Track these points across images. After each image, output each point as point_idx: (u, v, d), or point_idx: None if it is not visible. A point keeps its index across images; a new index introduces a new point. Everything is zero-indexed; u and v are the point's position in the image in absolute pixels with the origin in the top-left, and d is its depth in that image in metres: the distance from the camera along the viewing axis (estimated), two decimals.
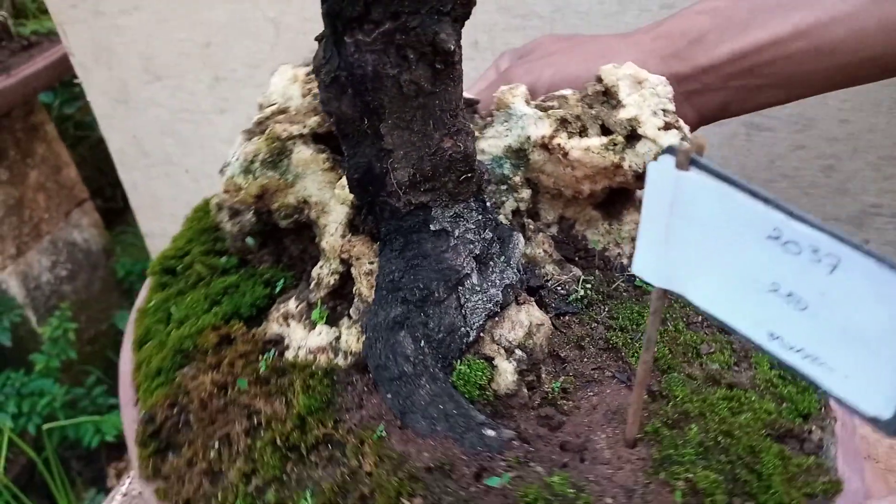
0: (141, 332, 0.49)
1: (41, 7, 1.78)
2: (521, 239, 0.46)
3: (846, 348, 0.25)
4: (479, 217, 0.43)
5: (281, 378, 0.43)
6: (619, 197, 0.54)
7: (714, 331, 0.47)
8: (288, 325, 0.46)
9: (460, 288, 0.42)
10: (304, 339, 0.45)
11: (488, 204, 0.45)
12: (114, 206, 2.15)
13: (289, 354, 0.45)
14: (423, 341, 0.41)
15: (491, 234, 0.44)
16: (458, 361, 0.41)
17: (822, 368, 0.26)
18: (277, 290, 0.50)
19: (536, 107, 0.52)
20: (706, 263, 0.29)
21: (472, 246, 0.42)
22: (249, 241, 0.51)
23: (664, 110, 0.50)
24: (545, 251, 0.50)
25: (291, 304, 0.47)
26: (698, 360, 0.45)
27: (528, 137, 0.50)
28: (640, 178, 0.49)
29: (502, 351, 0.42)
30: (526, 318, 0.44)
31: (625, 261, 0.52)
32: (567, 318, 0.48)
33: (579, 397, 0.43)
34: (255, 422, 0.41)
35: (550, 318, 0.46)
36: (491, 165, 0.51)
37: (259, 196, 0.49)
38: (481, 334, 0.42)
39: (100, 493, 1.68)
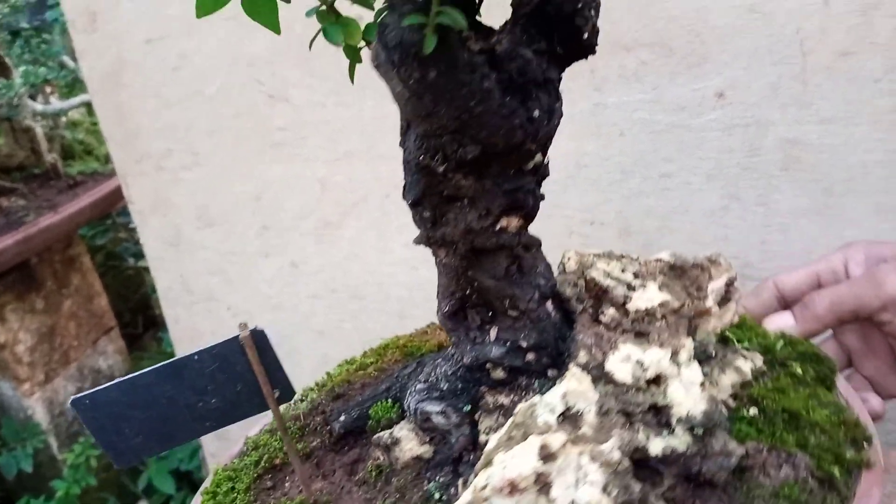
0: None
1: (87, 149, 1.93)
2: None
3: None
4: (448, 368, 0.52)
5: None
6: None
7: None
8: None
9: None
10: None
11: (477, 390, 0.50)
12: (132, 332, 2.23)
13: None
14: None
15: (446, 387, 0.51)
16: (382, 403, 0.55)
17: None
18: None
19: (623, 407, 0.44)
20: None
21: (427, 369, 0.53)
22: None
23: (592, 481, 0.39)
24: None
25: None
26: None
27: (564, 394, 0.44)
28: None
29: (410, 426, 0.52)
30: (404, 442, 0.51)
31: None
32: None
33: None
34: None
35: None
36: None
37: None
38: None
39: None
